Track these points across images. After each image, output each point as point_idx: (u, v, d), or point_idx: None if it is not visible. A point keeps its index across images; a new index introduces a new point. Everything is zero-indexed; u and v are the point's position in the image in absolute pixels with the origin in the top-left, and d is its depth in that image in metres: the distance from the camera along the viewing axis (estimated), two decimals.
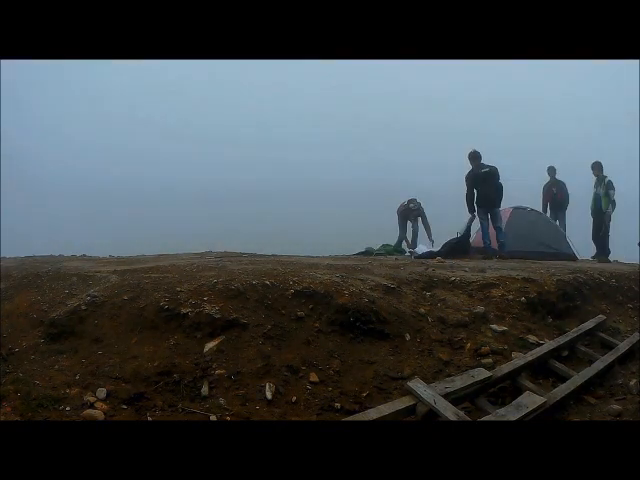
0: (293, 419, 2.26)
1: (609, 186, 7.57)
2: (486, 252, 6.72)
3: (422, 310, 3.41)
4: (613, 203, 7.58)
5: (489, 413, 2.26)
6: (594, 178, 7.71)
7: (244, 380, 2.44)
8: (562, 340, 3.20)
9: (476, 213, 6.82)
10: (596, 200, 7.68)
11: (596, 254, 7.67)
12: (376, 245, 7.93)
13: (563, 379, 2.80)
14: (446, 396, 2.24)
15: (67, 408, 2.09)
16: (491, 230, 6.88)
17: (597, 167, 7.75)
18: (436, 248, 6.92)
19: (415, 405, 2.19)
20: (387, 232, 8.36)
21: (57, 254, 6.13)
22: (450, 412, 2.10)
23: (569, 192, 8.27)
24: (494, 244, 6.78)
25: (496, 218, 6.76)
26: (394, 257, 6.55)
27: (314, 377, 2.58)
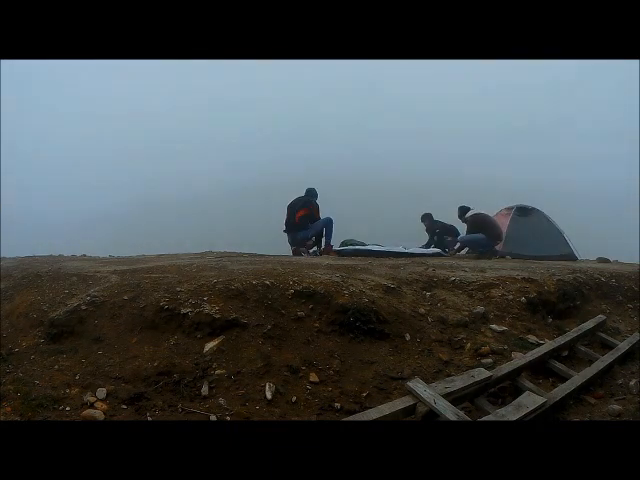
0: (293, 419, 2.26)
1: None
2: None
3: (422, 310, 3.41)
4: None
5: (489, 413, 2.26)
6: None
7: (244, 380, 2.44)
8: (562, 340, 3.19)
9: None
10: None
11: None
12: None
13: (563, 379, 2.80)
14: (446, 396, 2.24)
15: (67, 408, 2.08)
16: None
17: None
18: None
19: (415, 405, 2.19)
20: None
21: (57, 254, 6.14)
22: (450, 412, 2.10)
23: None
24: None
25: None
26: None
27: (314, 377, 2.57)
